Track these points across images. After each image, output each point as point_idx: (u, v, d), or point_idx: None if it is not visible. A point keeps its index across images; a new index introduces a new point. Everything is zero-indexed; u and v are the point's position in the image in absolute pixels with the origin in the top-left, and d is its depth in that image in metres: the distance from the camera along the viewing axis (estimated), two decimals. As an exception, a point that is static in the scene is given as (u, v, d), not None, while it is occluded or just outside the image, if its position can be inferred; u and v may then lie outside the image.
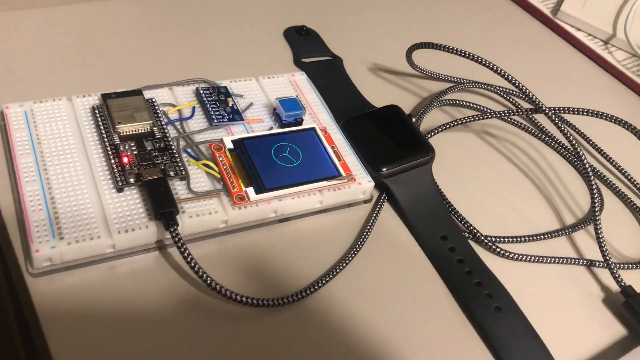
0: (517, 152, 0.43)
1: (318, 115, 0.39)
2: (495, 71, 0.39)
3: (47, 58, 0.40)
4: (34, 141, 0.32)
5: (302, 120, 0.38)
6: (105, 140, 0.33)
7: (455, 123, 0.42)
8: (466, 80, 0.46)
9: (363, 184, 0.36)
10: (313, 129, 0.36)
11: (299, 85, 0.41)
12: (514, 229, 0.38)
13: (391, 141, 0.38)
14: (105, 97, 0.35)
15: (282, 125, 0.37)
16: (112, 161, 0.32)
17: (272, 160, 0.34)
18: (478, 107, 0.45)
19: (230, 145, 0.34)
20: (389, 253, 0.35)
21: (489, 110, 0.44)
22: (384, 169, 0.36)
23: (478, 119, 0.42)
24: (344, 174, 0.35)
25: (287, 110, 0.37)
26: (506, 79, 0.39)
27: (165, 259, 0.31)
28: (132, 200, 0.31)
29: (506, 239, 0.37)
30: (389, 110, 0.40)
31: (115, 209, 0.30)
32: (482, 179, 0.41)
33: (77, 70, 0.39)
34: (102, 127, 0.33)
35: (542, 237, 0.38)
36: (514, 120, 0.45)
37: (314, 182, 0.34)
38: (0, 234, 0.31)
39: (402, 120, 0.39)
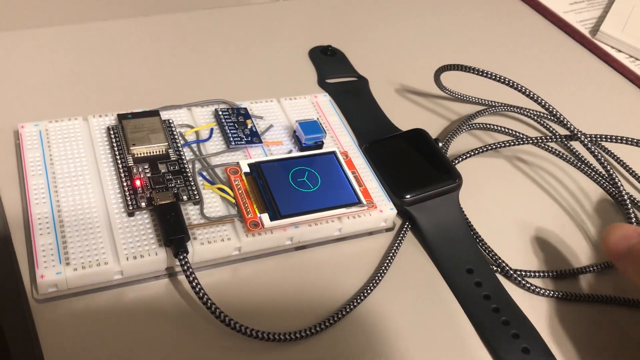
0: (550, 180, 0.41)
1: (340, 138, 0.37)
2: (528, 96, 0.37)
3: (64, 77, 0.39)
4: (46, 162, 0.32)
5: (323, 143, 0.36)
6: (119, 162, 0.32)
7: (485, 149, 0.40)
8: (497, 103, 0.44)
9: (385, 211, 0.34)
10: (333, 152, 0.35)
11: (321, 107, 0.39)
12: (546, 263, 0.36)
13: (416, 167, 0.36)
14: (121, 117, 0.34)
15: (301, 149, 0.36)
16: (124, 184, 0.31)
17: (289, 185, 0.33)
18: (510, 132, 0.43)
19: (246, 169, 0.33)
20: (411, 286, 0.33)
21: (522, 136, 0.42)
22: (408, 196, 0.35)
23: (510, 145, 0.40)
24: (364, 201, 0.33)
25: (307, 133, 0.35)
26: (539, 103, 0.37)
27: (174, 286, 0.30)
28: (142, 225, 0.30)
29: (537, 273, 0.34)
30: (414, 134, 0.38)
31: (125, 233, 0.29)
32: (512, 208, 0.38)
33: (95, 89, 0.39)
34: (115, 148, 0.32)
35: (577, 271, 0.35)
36: (548, 146, 0.43)
37: (332, 209, 0.32)
38: (8, 256, 0.30)
39: (428, 145, 0.37)
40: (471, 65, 0.38)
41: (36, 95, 0.38)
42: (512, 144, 0.40)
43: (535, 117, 0.44)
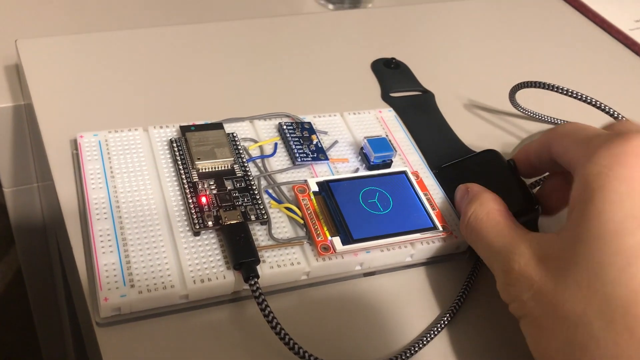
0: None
1: (408, 157, 0.35)
2: (612, 115, 0.34)
3: (124, 84, 0.38)
4: (107, 174, 0.30)
5: (392, 162, 0.34)
6: (183, 177, 0.30)
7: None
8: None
9: (460, 237, 0.32)
10: (404, 172, 0.33)
11: (386, 122, 0.37)
12: None
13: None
14: (184, 129, 0.32)
15: (369, 167, 0.34)
16: (190, 201, 0.29)
17: (360, 207, 0.31)
18: None
19: (315, 188, 0.31)
20: (491, 317, 0.30)
21: None
22: (484, 222, 0.32)
23: None
24: (439, 226, 0.31)
25: (376, 150, 0.33)
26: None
27: (240, 311, 0.28)
28: (209, 245, 0.28)
29: None
30: (487, 156, 0.36)
31: (191, 254, 0.28)
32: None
33: (155, 98, 0.37)
34: (179, 163, 0.31)
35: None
36: None
37: (406, 234, 0.30)
38: (70, 276, 0.29)
39: (502, 168, 0.35)
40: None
41: (94, 102, 0.36)
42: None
43: None
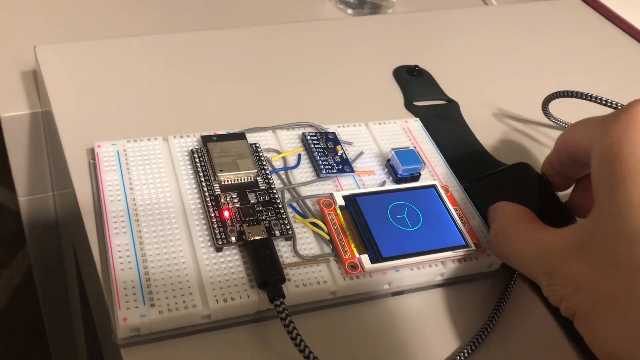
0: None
1: (436, 169, 0.34)
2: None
3: (144, 92, 0.37)
4: (125, 186, 0.29)
5: (420, 175, 0.33)
6: (205, 189, 0.29)
7: None
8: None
9: (492, 255, 0.30)
10: (434, 186, 0.32)
11: (413, 133, 0.36)
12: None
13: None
14: (205, 139, 0.31)
15: (396, 180, 0.32)
16: (212, 215, 0.28)
17: (388, 223, 0.29)
18: None
19: (341, 202, 0.30)
20: (526, 339, 0.29)
21: None
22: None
23: None
24: (472, 244, 0.30)
25: (404, 163, 0.32)
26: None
27: (264, 332, 0.27)
28: (231, 262, 0.27)
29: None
30: (518, 169, 0.34)
31: (213, 271, 0.26)
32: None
33: (175, 107, 0.36)
34: (201, 174, 0.30)
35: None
36: None
37: (437, 252, 0.29)
38: (89, 290, 0.28)
39: (535, 182, 0.34)
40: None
41: (113, 110, 0.35)
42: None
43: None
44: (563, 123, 0.40)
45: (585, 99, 0.34)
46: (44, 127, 0.40)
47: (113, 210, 0.28)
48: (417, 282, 0.29)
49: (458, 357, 0.27)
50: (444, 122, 0.39)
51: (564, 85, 0.44)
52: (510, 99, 0.42)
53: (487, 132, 0.39)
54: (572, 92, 0.35)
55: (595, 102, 0.34)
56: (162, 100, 0.37)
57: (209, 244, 0.27)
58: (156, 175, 0.30)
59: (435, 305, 0.30)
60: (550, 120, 0.39)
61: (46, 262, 0.52)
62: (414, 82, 0.42)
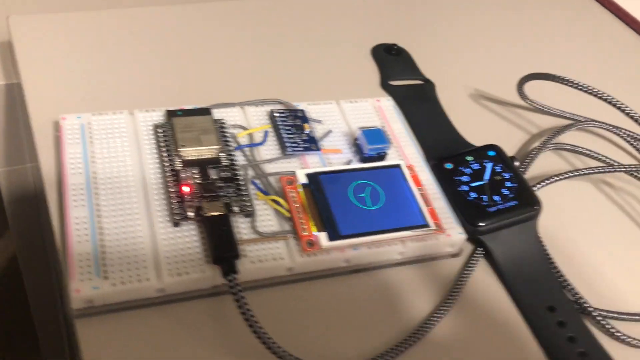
0: (633, 215, 0.37)
1: (404, 149, 0.34)
2: (624, 111, 0.33)
3: (114, 65, 0.37)
4: (87, 159, 0.29)
5: (386, 154, 0.33)
6: (166, 164, 0.29)
7: (571, 174, 0.35)
8: (587, 118, 0.40)
9: (453, 236, 0.30)
10: (398, 166, 0.32)
11: (384, 112, 0.36)
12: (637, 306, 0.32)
13: (491, 190, 0.33)
14: (170, 114, 0.31)
15: (362, 159, 0.32)
16: (171, 190, 0.28)
17: (349, 201, 0.29)
18: (600, 157, 0.38)
19: (304, 180, 0.30)
20: (482, 321, 0.29)
21: (614, 163, 0.38)
22: (482, 224, 0.31)
23: (599, 172, 0.35)
24: (432, 224, 0.30)
25: (371, 142, 0.32)
26: (637, 122, 0.33)
27: (219, 306, 0.27)
28: (188, 237, 0.27)
29: (625, 316, 0.30)
30: (488, 151, 0.34)
31: (169, 246, 0.27)
32: (600, 241, 0.34)
33: (142, 80, 0.36)
34: (163, 149, 0.30)
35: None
36: None
37: (396, 231, 0.29)
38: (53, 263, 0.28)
39: (503, 165, 0.34)
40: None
41: (83, 83, 0.35)
42: (603, 171, 0.35)
43: (630, 139, 0.39)
44: (539, 105, 0.39)
45: (559, 82, 0.34)
46: (18, 98, 0.40)
47: (73, 183, 0.28)
48: (376, 260, 0.30)
49: (413, 336, 0.27)
50: (419, 102, 0.39)
51: (545, 67, 0.44)
52: (488, 81, 0.42)
53: (462, 113, 0.39)
54: (546, 74, 0.35)
55: (569, 85, 0.34)
56: (133, 74, 0.36)
57: (167, 219, 0.28)
58: (119, 149, 0.30)
59: (395, 283, 0.30)
60: (526, 102, 0.39)
61: (27, 234, 0.52)
62: (391, 61, 0.42)
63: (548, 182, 0.35)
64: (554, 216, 0.35)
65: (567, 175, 0.35)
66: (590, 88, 0.33)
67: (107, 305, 0.25)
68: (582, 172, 0.36)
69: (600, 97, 0.33)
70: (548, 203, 0.34)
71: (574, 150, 0.38)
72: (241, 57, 0.39)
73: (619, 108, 0.33)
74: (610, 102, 0.33)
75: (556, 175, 0.35)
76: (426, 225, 0.30)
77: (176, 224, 0.27)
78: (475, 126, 0.39)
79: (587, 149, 0.38)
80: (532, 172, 0.36)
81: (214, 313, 0.27)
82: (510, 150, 0.37)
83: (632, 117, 0.33)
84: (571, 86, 0.33)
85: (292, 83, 0.38)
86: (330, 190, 0.30)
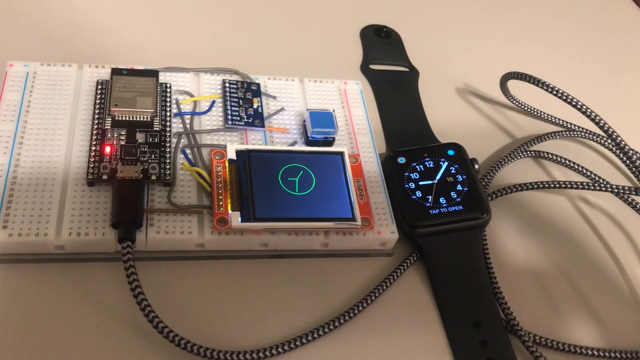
0: (618, 239, 0.33)
1: (358, 137, 0.32)
2: (596, 122, 0.30)
3: (71, 15, 0.36)
4: (22, 108, 0.29)
5: (334, 140, 0.31)
6: (96, 122, 0.29)
7: (543, 185, 0.33)
8: (575, 126, 0.37)
9: (384, 234, 0.29)
10: (340, 154, 0.30)
11: (348, 96, 0.34)
12: (576, 336, 0.29)
13: (439, 191, 0.30)
14: (115, 72, 0.30)
15: (307, 142, 0.31)
16: (93, 148, 0.28)
17: (275, 184, 0.28)
18: (584, 171, 0.35)
19: (232, 155, 0.29)
20: (397, 326, 0.27)
21: (599, 180, 0.34)
22: (420, 226, 0.29)
23: (578, 188, 0.32)
24: (358, 219, 0.28)
25: (315, 125, 0.31)
26: (615, 141, 0.30)
27: (118, 273, 0.26)
28: (100, 199, 0.27)
29: (560, 346, 0.28)
30: (449, 150, 0.32)
31: (78, 204, 0.26)
32: (556, 263, 0.31)
33: (103, 36, 0.35)
34: (97, 106, 0.29)
35: (612, 355, 0.28)
36: (630, 198, 0.35)
37: (318, 221, 0.28)
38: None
39: (462, 166, 0.31)
40: (542, 75, 0.31)
41: (35, 32, 0.35)
42: (582, 187, 0.32)
43: (618, 151, 0.36)
44: (522, 105, 0.37)
45: (534, 84, 0.31)
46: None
47: (1, 130, 0.28)
48: (297, 248, 0.28)
49: (317, 331, 0.26)
50: (396, 89, 0.37)
51: (544, 65, 0.41)
52: (479, 75, 0.39)
53: (441, 107, 0.37)
54: (523, 74, 0.32)
55: (547, 90, 0.31)
56: (99, 26, 0.36)
57: (84, 177, 0.27)
58: (57, 101, 0.30)
59: (316, 274, 0.28)
60: (509, 100, 0.36)
61: None
62: (378, 44, 0.40)
63: (515, 189, 0.33)
64: (512, 228, 0.32)
65: (534, 187, 0.33)
66: (568, 96, 0.31)
67: (9, 255, 0.26)
68: (557, 185, 0.33)
69: (570, 103, 0.30)
70: (509, 213, 0.31)
71: (554, 160, 0.35)
72: (216, 22, 0.38)
73: (589, 117, 0.30)
74: (580, 110, 0.30)
75: (528, 184, 0.33)
76: (352, 219, 0.28)
77: (90, 184, 0.27)
78: (452, 122, 0.36)
79: (569, 160, 0.35)
80: (502, 178, 0.34)
81: (112, 276, 0.26)
82: (484, 152, 0.35)
83: (610, 136, 0.30)
84: (547, 90, 0.31)
85: (264, 56, 0.37)
86: (258, 169, 0.28)
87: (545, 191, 0.34)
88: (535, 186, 0.32)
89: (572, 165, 0.35)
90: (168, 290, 0.26)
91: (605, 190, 0.32)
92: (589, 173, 0.35)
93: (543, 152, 0.35)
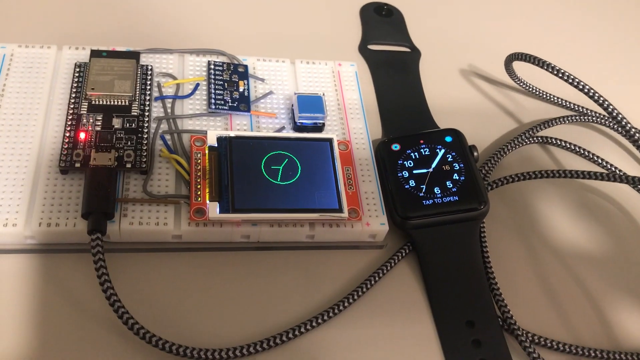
0: (629, 233, 0.31)
1: (350, 123, 0.31)
2: (603, 107, 0.28)
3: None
4: (-3, 92, 0.28)
5: (324, 125, 0.30)
6: (72, 106, 0.27)
7: (548, 174, 0.30)
8: (587, 110, 0.34)
9: (373, 225, 0.27)
10: (329, 140, 0.28)
11: (342, 78, 0.32)
12: (576, 337, 0.27)
13: (434, 181, 0.29)
14: (94, 54, 0.29)
15: (295, 128, 0.29)
16: (67, 134, 0.26)
17: (258, 172, 0.27)
18: (596, 159, 0.33)
19: (213, 142, 0.27)
20: (386, 323, 0.26)
21: (617, 171, 0.32)
22: (413, 218, 0.27)
23: (586, 178, 0.30)
24: (345, 210, 0.26)
25: (303, 110, 0.29)
26: (625, 129, 0.27)
27: (92, 266, 0.25)
28: (73, 187, 0.25)
29: (559, 346, 0.26)
30: (447, 136, 0.30)
31: (50, 193, 0.25)
32: (559, 258, 0.30)
33: (86, 15, 0.34)
34: (74, 90, 0.28)
35: (616, 357, 0.27)
36: None
37: (302, 212, 0.26)
38: None
39: (460, 153, 0.29)
40: (548, 55, 0.29)
41: (10, 10, 0.33)
42: (595, 177, 0.30)
43: (630, 141, 0.33)
44: (528, 87, 0.34)
45: (539, 65, 0.29)
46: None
47: (-26, 114, 0.27)
48: (281, 240, 0.27)
49: (302, 326, 0.25)
50: (395, 71, 0.35)
51: (549, 46, 0.38)
52: (481, 55, 0.37)
53: (443, 90, 0.35)
54: (528, 55, 0.30)
55: (552, 73, 0.29)
56: (81, 8, 0.34)
57: (57, 164, 0.26)
58: (33, 85, 0.28)
59: (302, 266, 0.27)
60: (515, 81, 0.34)
61: None
62: (378, 23, 0.37)
63: (512, 180, 0.30)
64: (512, 220, 0.30)
65: (538, 176, 0.31)
66: (571, 76, 0.28)
67: (-24, 246, 0.25)
68: (566, 175, 0.30)
69: (577, 87, 0.28)
70: (509, 204, 0.30)
71: (563, 146, 0.33)
72: (203, 0, 0.37)
73: (597, 101, 0.27)
74: (587, 94, 0.28)
75: (523, 174, 0.30)
76: (338, 210, 0.26)
77: (63, 171, 0.26)
78: (454, 106, 0.34)
79: (580, 147, 0.33)
80: (505, 166, 0.32)
81: (83, 270, 0.25)
82: (487, 137, 0.33)
83: (612, 116, 0.27)
84: (550, 72, 0.28)
85: (253, 35, 0.35)
86: (240, 157, 0.27)
87: (550, 181, 0.32)
88: (540, 175, 0.30)
89: (583, 152, 0.33)
90: (143, 284, 0.25)
91: (621, 182, 0.30)
92: (602, 162, 0.33)
93: (551, 137, 0.33)
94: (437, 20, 0.39)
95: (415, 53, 0.36)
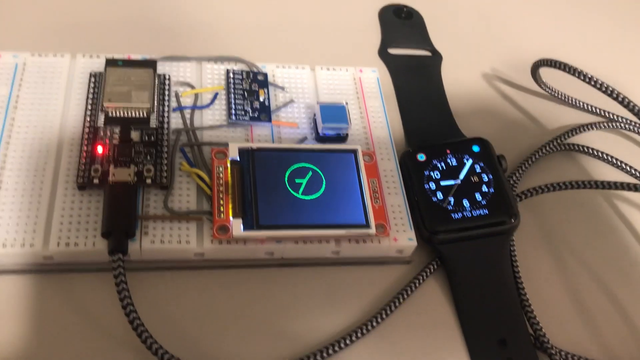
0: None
1: (374, 132, 0.30)
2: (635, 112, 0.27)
3: (68, 4, 0.34)
4: (10, 103, 0.27)
5: (347, 136, 0.29)
6: (88, 119, 0.26)
7: (578, 185, 0.30)
8: (618, 116, 0.33)
9: (400, 240, 0.26)
10: (354, 152, 0.27)
11: (363, 85, 0.31)
12: (616, 354, 0.26)
13: (463, 193, 0.28)
14: (109, 63, 0.28)
15: (318, 138, 0.28)
16: (84, 148, 0.25)
17: (281, 186, 0.26)
18: (628, 168, 0.32)
19: (234, 155, 0.26)
20: (415, 343, 0.25)
21: None
22: (441, 232, 0.27)
23: (623, 189, 0.29)
24: (372, 226, 0.25)
25: (327, 120, 0.28)
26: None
27: (110, 284, 0.24)
28: (91, 204, 0.25)
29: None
30: (474, 145, 0.29)
31: (67, 210, 0.24)
32: (591, 272, 0.29)
33: (100, 24, 0.33)
34: (90, 102, 0.27)
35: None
36: None
37: (328, 228, 0.25)
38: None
39: (489, 163, 0.28)
40: (570, 58, 0.28)
41: (27, 20, 0.32)
42: (627, 188, 0.29)
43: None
44: (555, 93, 0.33)
45: (569, 72, 0.28)
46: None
47: (-13, 128, 0.26)
48: (308, 256, 0.26)
49: (335, 345, 0.24)
50: (417, 76, 0.34)
51: (576, 51, 0.37)
52: (505, 59, 0.36)
53: (467, 95, 0.34)
54: (557, 62, 0.29)
55: (583, 80, 0.28)
56: (93, 13, 0.33)
57: (74, 180, 0.25)
58: (48, 96, 0.27)
59: (328, 283, 0.26)
60: (542, 88, 0.33)
61: None
62: (398, 26, 0.36)
63: (541, 191, 0.30)
64: (541, 232, 0.29)
65: (568, 186, 0.30)
66: (602, 84, 0.27)
67: (-6, 266, 0.24)
68: (594, 185, 0.30)
69: (606, 93, 0.27)
70: (539, 216, 0.29)
71: (592, 153, 0.32)
72: (221, 6, 0.35)
73: (627, 107, 0.27)
74: (618, 101, 0.27)
75: (553, 185, 0.30)
76: (365, 226, 0.25)
77: (81, 188, 0.25)
78: (479, 113, 0.33)
79: (610, 155, 0.32)
80: (532, 175, 0.31)
81: (103, 290, 0.24)
82: (513, 145, 0.32)
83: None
84: (579, 78, 0.27)
85: (271, 41, 0.34)
86: (263, 171, 0.26)
87: (580, 192, 0.31)
88: (570, 186, 0.29)
89: (612, 160, 0.32)
90: (165, 303, 0.24)
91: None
92: (632, 170, 0.32)
93: (579, 145, 0.32)
94: (457, 23, 0.38)
95: (436, 57, 0.35)
